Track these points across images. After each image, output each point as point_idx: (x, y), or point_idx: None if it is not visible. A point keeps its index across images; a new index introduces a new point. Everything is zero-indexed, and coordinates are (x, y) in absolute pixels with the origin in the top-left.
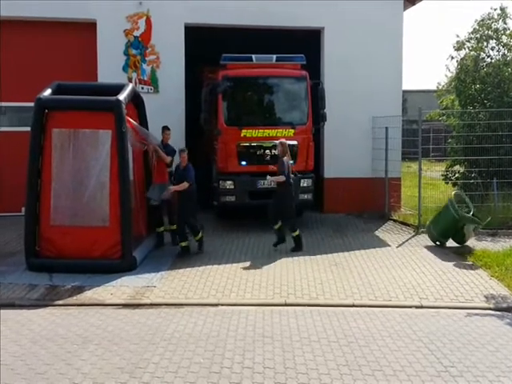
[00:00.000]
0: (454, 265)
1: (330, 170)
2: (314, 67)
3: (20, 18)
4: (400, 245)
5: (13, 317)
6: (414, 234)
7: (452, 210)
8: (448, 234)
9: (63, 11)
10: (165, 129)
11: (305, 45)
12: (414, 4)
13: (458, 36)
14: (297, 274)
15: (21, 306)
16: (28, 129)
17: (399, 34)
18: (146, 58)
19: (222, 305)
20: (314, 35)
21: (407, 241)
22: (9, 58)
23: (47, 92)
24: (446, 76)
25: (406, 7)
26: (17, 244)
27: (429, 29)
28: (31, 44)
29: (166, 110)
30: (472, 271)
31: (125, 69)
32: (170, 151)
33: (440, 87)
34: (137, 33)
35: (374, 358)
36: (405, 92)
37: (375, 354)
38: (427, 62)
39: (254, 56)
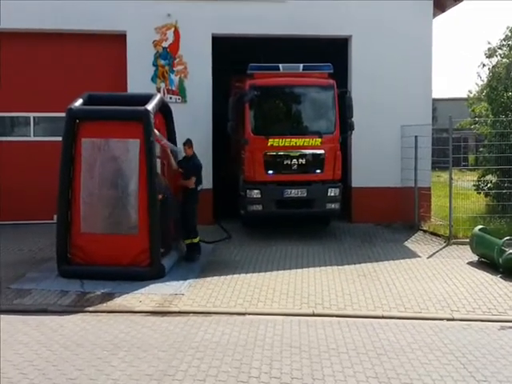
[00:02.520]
0: (487, 276)
1: (358, 180)
2: (341, 76)
3: (53, 30)
4: (430, 256)
5: (45, 322)
6: (444, 244)
7: (496, 256)
8: (488, 259)
9: (95, 24)
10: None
11: (331, 53)
12: (443, 11)
13: (489, 43)
14: (324, 284)
15: (53, 312)
16: (60, 138)
17: (429, 41)
18: (174, 69)
19: (250, 314)
20: (341, 43)
21: (438, 252)
22: (41, 69)
23: (78, 102)
24: (477, 84)
25: (435, 14)
26: (49, 251)
27: (459, 36)
28: (64, 55)
29: (194, 119)
30: (506, 283)
31: (153, 79)
32: (191, 167)
33: (471, 95)
34: (165, 44)
35: (403, 370)
36: (435, 100)
37: (405, 366)
38: (458, 70)
39: (280, 65)
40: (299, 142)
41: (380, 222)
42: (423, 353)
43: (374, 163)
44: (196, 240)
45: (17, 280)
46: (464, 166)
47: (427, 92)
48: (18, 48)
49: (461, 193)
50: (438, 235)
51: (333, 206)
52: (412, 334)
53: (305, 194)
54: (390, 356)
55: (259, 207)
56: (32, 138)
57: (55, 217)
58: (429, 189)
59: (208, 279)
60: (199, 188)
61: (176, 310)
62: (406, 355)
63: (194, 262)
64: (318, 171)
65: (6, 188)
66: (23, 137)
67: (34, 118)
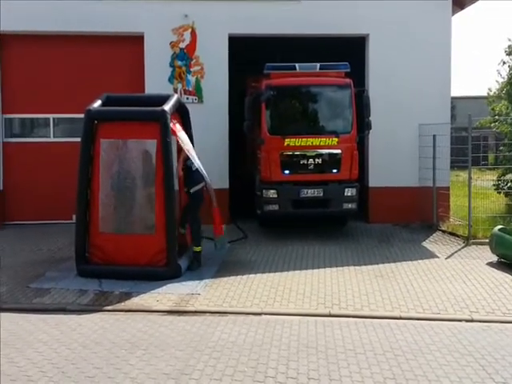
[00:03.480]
0: (507, 277)
1: (375, 179)
2: (356, 74)
3: (72, 32)
4: (449, 256)
5: (64, 321)
6: (463, 245)
7: None
8: (507, 259)
9: (113, 26)
10: None
11: (346, 52)
12: (462, 8)
13: (510, 40)
14: (341, 284)
15: (72, 311)
16: (79, 139)
17: (447, 38)
18: (191, 69)
19: (266, 314)
20: (356, 42)
21: (457, 252)
22: (61, 71)
23: (97, 103)
24: (497, 82)
25: (454, 12)
26: (68, 250)
27: (478, 33)
28: (82, 57)
29: (210, 119)
30: None
31: (170, 80)
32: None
33: (491, 93)
34: (182, 45)
35: (422, 372)
36: (453, 98)
37: (423, 368)
38: (477, 68)
39: (297, 65)
40: (316, 141)
41: (398, 222)
42: (442, 354)
43: (392, 163)
44: (197, 249)
45: (36, 279)
46: (483, 165)
47: (446, 90)
48: (38, 50)
49: (480, 192)
50: (457, 235)
51: (350, 205)
52: (430, 336)
53: (321, 194)
54: (408, 357)
55: (275, 207)
56: (52, 139)
57: (74, 217)
58: (447, 188)
59: (224, 279)
60: (192, 190)
61: (192, 309)
62: (424, 356)
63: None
64: (335, 171)
65: (26, 188)
66: (43, 138)
67: (53, 119)
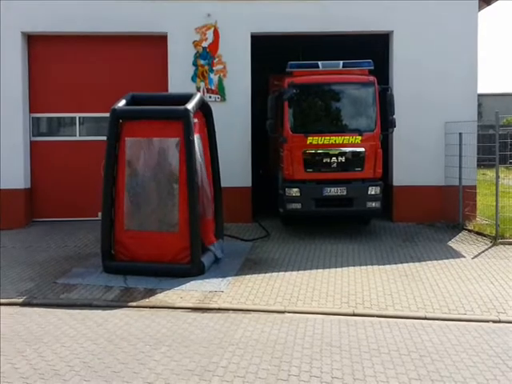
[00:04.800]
0: None
1: (400, 178)
2: (381, 72)
3: (98, 33)
4: (476, 256)
5: (90, 316)
6: (490, 244)
7: None
8: None
9: (138, 26)
10: None
11: (371, 49)
12: (489, 4)
13: None
14: (365, 283)
15: (97, 307)
16: (104, 138)
17: (474, 35)
18: (214, 68)
19: (289, 312)
20: (375, 39)
21: (483, 252)
22: (86, 70)
23: (122, 103)
24: None
25: (480, 7)
26: (94, 247)
27: (506, 29)
28: (108, 57)
29: (233, 117)
30: None
31: (193, 79)
32: None
33: None
34: (205, 44)
35: (448, 373)
36: (480, 96)
37: (449, 369)
38: (503, 64)
39: (320, 63)
40: (339, 139)
41: (422, 221)
42: (468, 355)
43: (417, 161)
44: None
45: (63, 275)
46: (511, 163)
47: (472, 87)
48: (64, 50)
49: (507, 191)
50: (484, 235)
51: (373, 204)
52: (456, 336)
53: (344, 193)
54: (434, 358)
55: (298, 205)
56: (78, 138)
57: (100, 214)
58: (474, 187)
59: (247, 277)
60: None
61: (216, 306)
62: (450, 357)
63: None
64: (358, 169)
65: (53, 186)
66: (69, 136)
67: (79, 118)
